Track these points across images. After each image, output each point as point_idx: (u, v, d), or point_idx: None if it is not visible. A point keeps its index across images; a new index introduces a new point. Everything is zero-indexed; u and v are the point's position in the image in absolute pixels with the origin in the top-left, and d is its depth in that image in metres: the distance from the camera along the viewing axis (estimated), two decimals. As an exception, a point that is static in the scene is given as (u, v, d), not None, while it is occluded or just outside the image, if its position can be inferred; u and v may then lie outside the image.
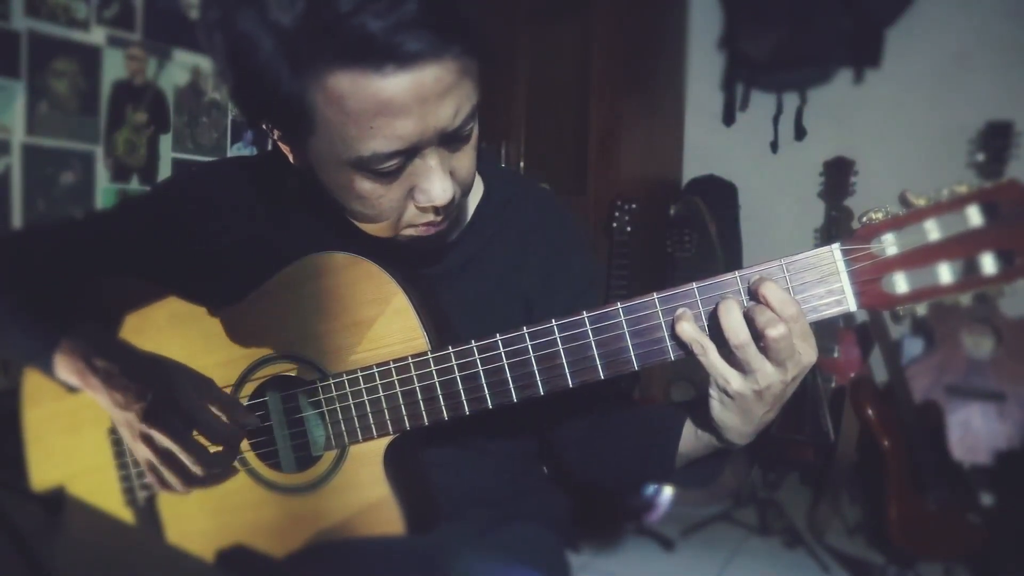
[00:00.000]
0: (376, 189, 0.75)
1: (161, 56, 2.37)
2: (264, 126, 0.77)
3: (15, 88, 2.04)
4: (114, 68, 2.26)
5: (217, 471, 0.84)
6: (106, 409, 0.84)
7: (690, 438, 0.82)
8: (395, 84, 0.66)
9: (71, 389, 0.90)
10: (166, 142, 2.42)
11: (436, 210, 0.77)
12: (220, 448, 0.83)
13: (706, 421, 0.77)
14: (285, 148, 0.80)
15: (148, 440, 0.80)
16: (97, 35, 2.21)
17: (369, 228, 0.81)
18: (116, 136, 2.28)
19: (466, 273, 0.92)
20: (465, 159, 0.78)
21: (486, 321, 0.85)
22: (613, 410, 0.92)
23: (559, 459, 0.99)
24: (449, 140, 0.74)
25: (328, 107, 0.68)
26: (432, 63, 0.67)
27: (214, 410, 0.82)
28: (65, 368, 0.84)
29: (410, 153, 0.72)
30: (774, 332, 0.64)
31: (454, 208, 0.80)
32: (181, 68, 2.43)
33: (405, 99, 0.67)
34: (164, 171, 2.42)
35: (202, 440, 0.82)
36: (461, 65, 0.70)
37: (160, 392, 0.80)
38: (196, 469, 0.81)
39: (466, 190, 0.81)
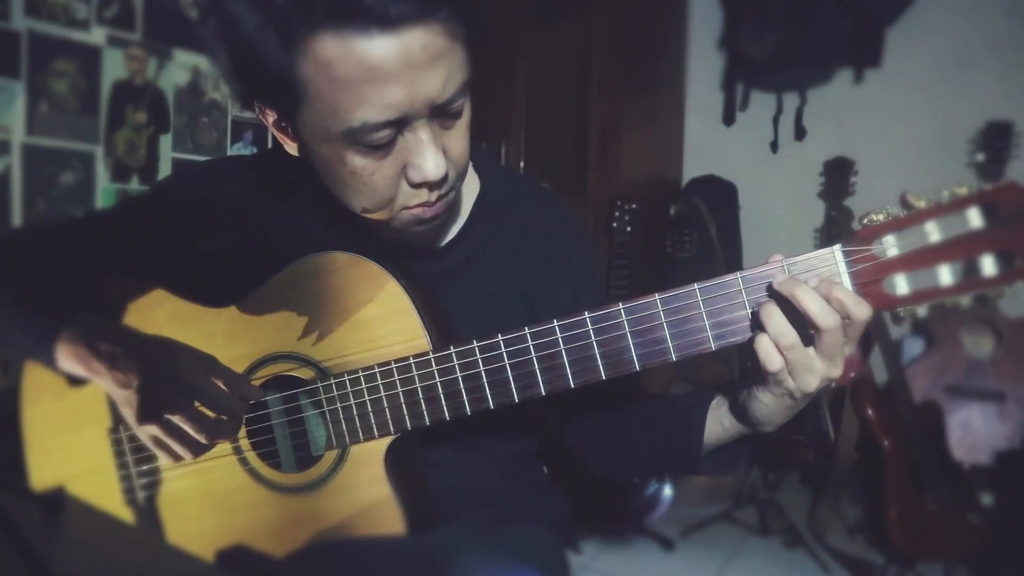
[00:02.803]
0: (368, 165, 0.75)
1: (161, 56, 2.37)
2: (258, 109, 0.78)
3: (15, 88, 2.03)
4: (114, 68, 2.25)
5: (222, 441, 0.86)
6: (109, 391, 0.84)
7: (716, 428, 0.82)
8: (382, 48, 0.66)
9: (73, 381, 0.90)
10: (166, 142, 2.42)
11: (430, 187, 0.77)
12: (224, 418, 0.84)
13: (742, 414, 0.78)
14: (281, 136, 0.80)
15: (153, 416, 0.81)
16: (97, 35, 2.20)
17: (366, 214, 0.81)
18: (116, 136, 2.28)
19: (466, 271, 0.92)
20: (458, 137, 0.78)
21: (487, 318, 0.85)
22: (631, 403, 0.92)
23: (575, 455, 0.99)
24: (440, 113, 0.74)
25: (317, 75, 0.69)
26: (418, 26, 0.67)
27: (217, 383, 0.82)
28: (67, 357, 0.84)
29: (400, 124, 0.72)
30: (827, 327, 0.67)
31: (448, 188, 0.80)
32: (181, 68, 2.43)
33: (392, 64, 0.67)
34: (164, 171, 2.42)
35: (206, 412, 0.82)
36: (449, 30, 0.69)
37: (163, 368, 0.81)
38: (201, 438, 0.82)
39: (460, 171, 0.81)
